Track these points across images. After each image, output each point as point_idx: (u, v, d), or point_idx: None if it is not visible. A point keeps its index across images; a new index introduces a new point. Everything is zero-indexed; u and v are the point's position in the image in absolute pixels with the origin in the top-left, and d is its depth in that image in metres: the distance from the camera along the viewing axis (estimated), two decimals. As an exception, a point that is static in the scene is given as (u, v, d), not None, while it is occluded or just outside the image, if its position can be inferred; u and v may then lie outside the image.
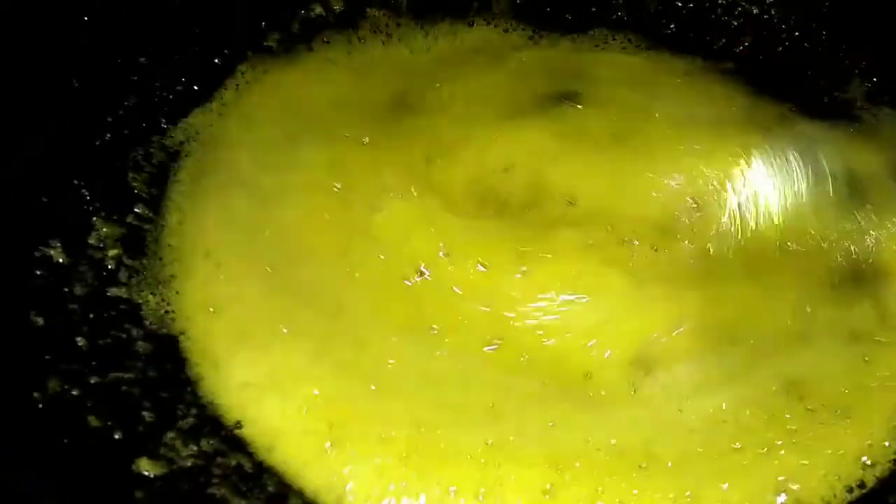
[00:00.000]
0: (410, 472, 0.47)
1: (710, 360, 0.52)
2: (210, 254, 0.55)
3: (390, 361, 0.51)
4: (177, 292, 0.53)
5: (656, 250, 0.55)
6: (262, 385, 0.49)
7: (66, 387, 0.45)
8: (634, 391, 0.51)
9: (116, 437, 0.44)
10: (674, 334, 0.52)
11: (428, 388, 0.50)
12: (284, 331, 0.52)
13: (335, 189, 0.58)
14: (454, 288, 0.53)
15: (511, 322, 0.53)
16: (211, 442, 0.47)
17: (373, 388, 0.50)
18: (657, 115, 0.62)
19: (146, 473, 0.44)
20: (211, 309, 0.52)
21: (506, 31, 0.69)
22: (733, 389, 0.51)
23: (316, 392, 0.49)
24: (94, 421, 0.44)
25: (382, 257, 0.55)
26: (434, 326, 0.52)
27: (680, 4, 0.71)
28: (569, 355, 0.52)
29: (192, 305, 0.52)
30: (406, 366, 0.51)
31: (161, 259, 0.55)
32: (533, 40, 0.68)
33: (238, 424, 0.47)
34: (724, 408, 0.50)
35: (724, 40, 0.69)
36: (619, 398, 0.51)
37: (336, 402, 0.49)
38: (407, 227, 0.56)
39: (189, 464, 0.46)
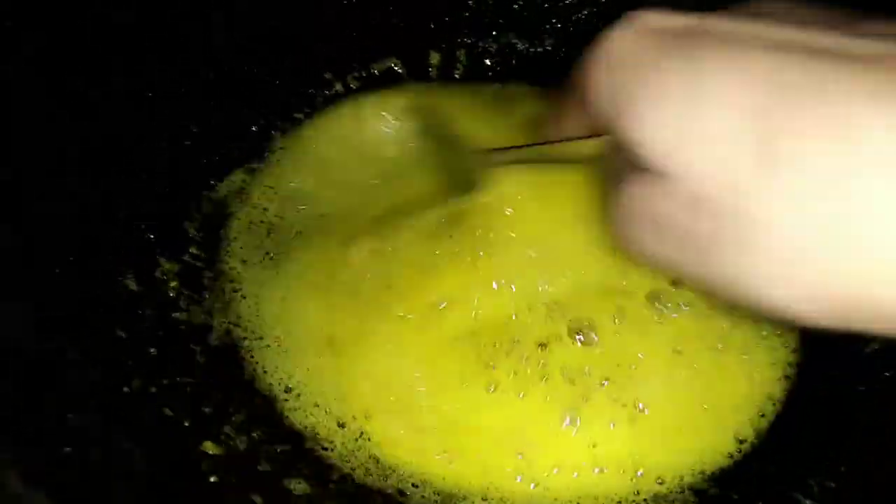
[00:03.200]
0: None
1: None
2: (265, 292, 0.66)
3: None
4: (238, 316, 0.64)
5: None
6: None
7: (145, 385, 0.55)
8: None
9: (186, 424, 0.54)
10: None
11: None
12: None
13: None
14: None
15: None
16: (259, 434, 0.57)
17: None
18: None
19: (210, 452, 0.54)
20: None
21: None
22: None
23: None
24: (167, 411, 0.54)
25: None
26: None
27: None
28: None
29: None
30: None
31: (221, 290, 0.65)
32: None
33: None
34: None
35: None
36: None
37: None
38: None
39: (242, 448, 0.55)
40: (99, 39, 0.64)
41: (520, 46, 0.84)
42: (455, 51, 0.83)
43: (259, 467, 0.55)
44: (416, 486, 0.57)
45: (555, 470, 0.57)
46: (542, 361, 0.58)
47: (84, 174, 0.62)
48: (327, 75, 0.80)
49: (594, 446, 0.57)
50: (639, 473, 0.57)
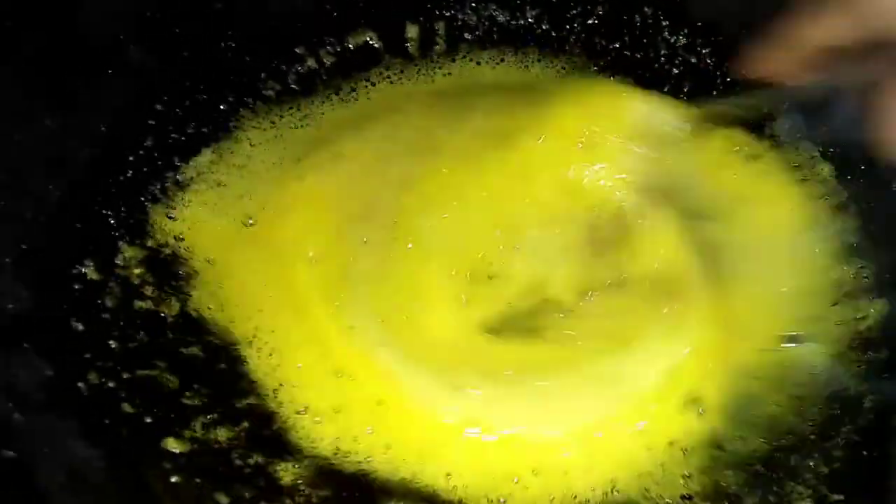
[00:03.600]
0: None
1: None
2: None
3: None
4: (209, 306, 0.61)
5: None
6: None
7: (103, 380, 0.52)
8: None
9: (147, 420, 0.51)
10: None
11: None
12: None
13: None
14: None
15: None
16: (224, 429, 0.54)
17: None
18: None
19: (173, 450, 0.51)
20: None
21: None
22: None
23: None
24: (127, 407, 0.51)
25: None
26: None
27: (628, 54, 0.79)
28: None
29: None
30: None
31: (183, 277, 0.62)
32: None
33: None
34: None
35: (667, 87, 0.77)
36: None
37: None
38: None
39: (208, 444, 0.53)
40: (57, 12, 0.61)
41: (501, 19, 0.81)
42: (434, 23, 0.79)
43: (226, 464, 0.52)
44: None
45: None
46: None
47: (38, 153, 0.59)
48: (299, 50, 0.76)
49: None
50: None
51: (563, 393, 0.57)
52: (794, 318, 0.62)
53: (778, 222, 0.67)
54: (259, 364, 0.59)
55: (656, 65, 0.79)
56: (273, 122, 0.73)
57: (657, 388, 0.57)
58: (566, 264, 0.63)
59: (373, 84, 0.76)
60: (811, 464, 0.56)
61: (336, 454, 0.55)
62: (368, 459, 0.54)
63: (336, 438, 0.55)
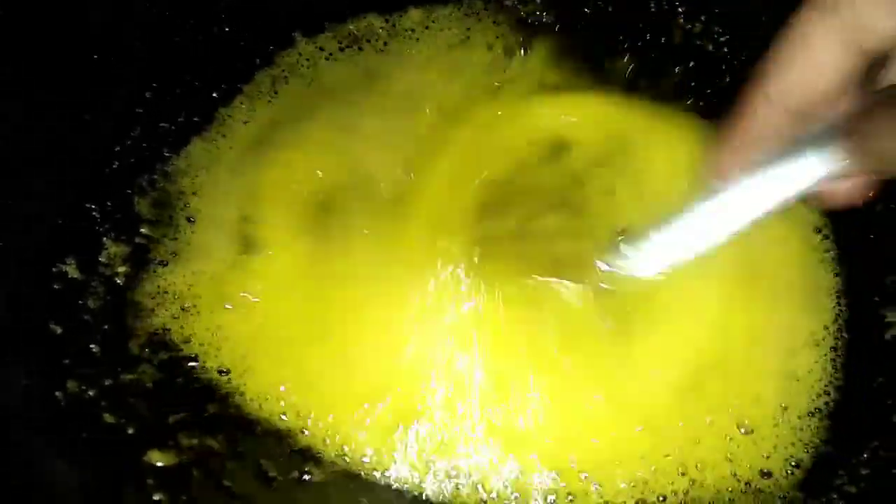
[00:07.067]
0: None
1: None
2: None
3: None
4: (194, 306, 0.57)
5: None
6: None
7: (83, 388, 0.49)
8: None
9: (129, 431, 0.48)
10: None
11: None
12: None
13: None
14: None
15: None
16: (216, 438, 0.51)
17: None
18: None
19: (157, 464, 0.48)
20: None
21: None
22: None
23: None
24: (108, 418, 0.48)
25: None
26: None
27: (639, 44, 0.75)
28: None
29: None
30: None
31: (170, 276, 0.59)
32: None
33: None
34: None
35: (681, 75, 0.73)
36: None
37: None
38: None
39: (195, 455, 0.50)
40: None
41: (508, 3, 0.77)
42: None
43: (214, 477, 0.49)
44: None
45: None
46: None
47: (16, 143, 0.56)
48: (295, 34, 0.72)
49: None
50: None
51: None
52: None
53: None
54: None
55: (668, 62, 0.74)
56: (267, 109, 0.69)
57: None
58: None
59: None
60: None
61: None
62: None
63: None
